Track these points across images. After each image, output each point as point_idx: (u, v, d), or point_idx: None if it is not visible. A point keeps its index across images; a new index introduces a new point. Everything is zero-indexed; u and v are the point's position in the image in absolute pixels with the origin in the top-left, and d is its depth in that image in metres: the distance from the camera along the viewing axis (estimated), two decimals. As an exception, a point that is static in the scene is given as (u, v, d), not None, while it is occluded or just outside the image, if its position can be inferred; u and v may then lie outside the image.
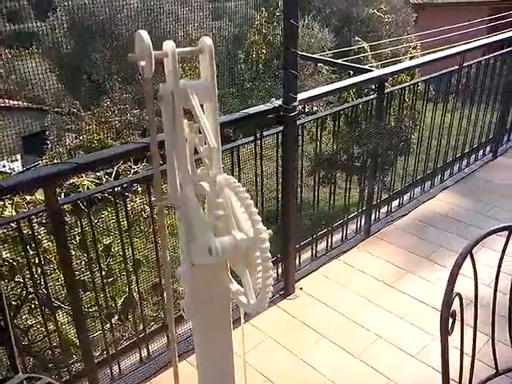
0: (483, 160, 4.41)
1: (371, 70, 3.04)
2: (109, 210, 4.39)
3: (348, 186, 3.29)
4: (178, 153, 1.13)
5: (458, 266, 1.40)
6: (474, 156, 4.33)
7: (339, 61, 4.29)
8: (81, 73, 12.06)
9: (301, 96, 2.51)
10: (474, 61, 3.77)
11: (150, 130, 1.13)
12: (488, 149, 4.47)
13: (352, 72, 4.01)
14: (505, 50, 4.01)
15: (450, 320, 1.38)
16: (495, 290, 1.59)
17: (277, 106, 2.45)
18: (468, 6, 15.53)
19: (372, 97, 3.12)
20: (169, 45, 1.11)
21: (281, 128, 2.54)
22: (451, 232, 3.48)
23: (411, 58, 10.14)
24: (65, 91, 11.27)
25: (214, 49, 1.16)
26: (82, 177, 5.07)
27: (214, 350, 1.32)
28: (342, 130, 3.10)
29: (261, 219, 1.10)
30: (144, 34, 1.04)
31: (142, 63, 1.06)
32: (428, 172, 3.87)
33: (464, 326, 1.48)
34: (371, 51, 11.13)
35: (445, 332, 1.36)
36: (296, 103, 2.47)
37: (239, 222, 1.10)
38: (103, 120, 9.96)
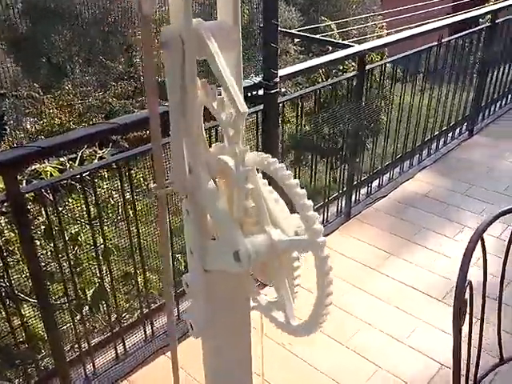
0: (460, 139, 4.37)
1: (352, 46, 2.91)
2: (74, 197, 4.17)
3: (328, 167, 3.19)
4: (189, 120, 0.83)
5: (470, 252, 1.28)
6: (450, 135, 4.28)
7: (318, 36, 4.15)
8: (39, 55, 11.55)
9: (282, 72, 2.36)
10: (453, 37, 3.70)
11: (148, 91, 0.82)
12: (464, 127, 4.43)
13: (330, 48, 3.88)
14: (482, 26, 3.96)
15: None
16: (502, 279, 1.49)
17: (257, 82, 2.30)
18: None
19: (352, 74, 3.00)
20: None
21: (261, 107, 2.38)
22: (432, 212, 3.42)
23: (379, 37, 10.08)
24: (23, 74, 10.77)
25: None
26: (44, 162, 4.80)
27: (229, 369, 1.09)
28: (321, 110, 2.97)
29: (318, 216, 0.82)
30: None
31: None
32: (406, 151, 3.79)
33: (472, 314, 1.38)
34: (338, 31, 11.03)
35: (457, 323, 1.25)
36: (277, 79, 2.32)
37: (272, 215, 0.90)
38: (64, 103, 9.57)
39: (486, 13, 3.95)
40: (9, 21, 11.01)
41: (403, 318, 2.55)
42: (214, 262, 0.90)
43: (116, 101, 9.62)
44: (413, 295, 2.70)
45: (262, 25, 2.27)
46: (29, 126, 8.99)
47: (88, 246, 3.88)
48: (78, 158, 5.80)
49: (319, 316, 0.89)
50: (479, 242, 1.35)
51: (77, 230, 3.85)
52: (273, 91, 2.34)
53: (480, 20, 5.16)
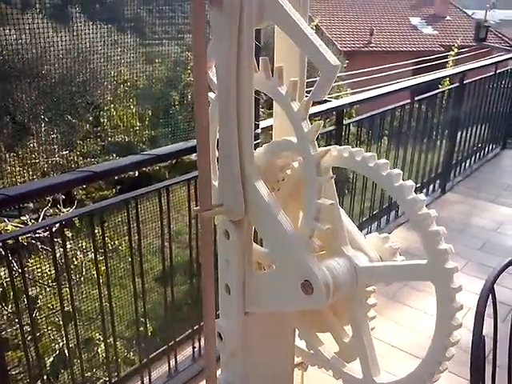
0: (433, 196, 4.38)
1: (330, 101, 2.89)
2: (35, 258, 3.92)
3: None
4: (244, 109, 0.63)
5: (483, 306, 1.17)
6: (424, 191, 4.29)
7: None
8: (4, 114, 11.38)
9: (264, 124, 2.29)
10: (425, 95, 3.77)
11: (195, 52, 0.60)
12: (437, 185, 4.46)
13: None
14: (451, 86, 4.08)
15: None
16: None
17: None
18: (394, 54, 16.44)
19: (331, 128, 2.97)
20: None
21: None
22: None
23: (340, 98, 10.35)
24: (-16, 132, 10.54)
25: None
26: (4, 221, 4.54)
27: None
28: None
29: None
30: None
31: None
32: (383, 207, 3.75)
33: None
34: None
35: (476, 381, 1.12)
36: (259, 131, 2.24)
37: (349, 233, 0.72)
38: (28, 162, 9.35)
39: (455, 74, 4.09)
40: (-27, 79, 10.88)
41: (393, 382, 2.39)
42: (263, 301, 0.67)
43: (82, 159, 9.47)
44: (402, 358, 2.55)
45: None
46: (-11, 185, 8.66)
47: (48, 310, 3.59)
48: (41, 216, 5.55)
49: (429, 374, 0.63)
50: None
51: (36, 292, 3.58)
52: (254, 142, 2.25)
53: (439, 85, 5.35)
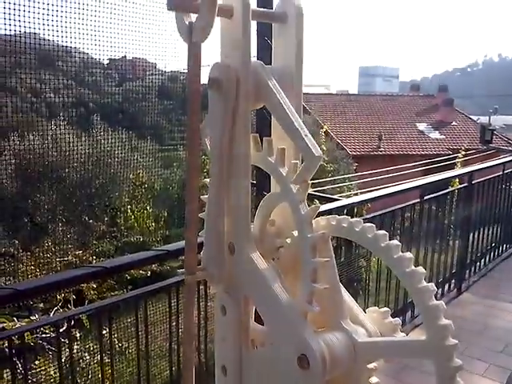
0: (449, 296, 4.28)
1: (339, 199, 2.97)
2: (40, 359, 3.83)
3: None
4: (239, 184, 0.66)
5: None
6: (440, 291, 4.21)
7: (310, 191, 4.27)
8: (23, 214, 11.68)
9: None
10: (433, 195, 3.83)
11: (190, 123, 0.63)
12: (452, 284, 4.38)
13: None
14: (460, 186, 4.15)
15: None
16: None
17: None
18: (402, 158, 16.91)
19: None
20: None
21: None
22: (431, 374, 3.17)
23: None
24: (2, 233, 10.76)
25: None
26: (13, 320, 4.51)
27: None
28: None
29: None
30: None
31: (193, 18, 0.61)
32: (398, 307, 3.67)
33: None
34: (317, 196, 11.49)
35: None
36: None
37: (349, 308, 0.71)
38: (42, 261, 9.43)
39: (464, 174, 4.18)
40: (-3, 184, 11.29)
41: None
42: (260, 381, 0.63)
43: (95, 259, 9.54)
44: None
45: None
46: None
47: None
48: (51, 315, 5.49)
49: None
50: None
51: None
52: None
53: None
